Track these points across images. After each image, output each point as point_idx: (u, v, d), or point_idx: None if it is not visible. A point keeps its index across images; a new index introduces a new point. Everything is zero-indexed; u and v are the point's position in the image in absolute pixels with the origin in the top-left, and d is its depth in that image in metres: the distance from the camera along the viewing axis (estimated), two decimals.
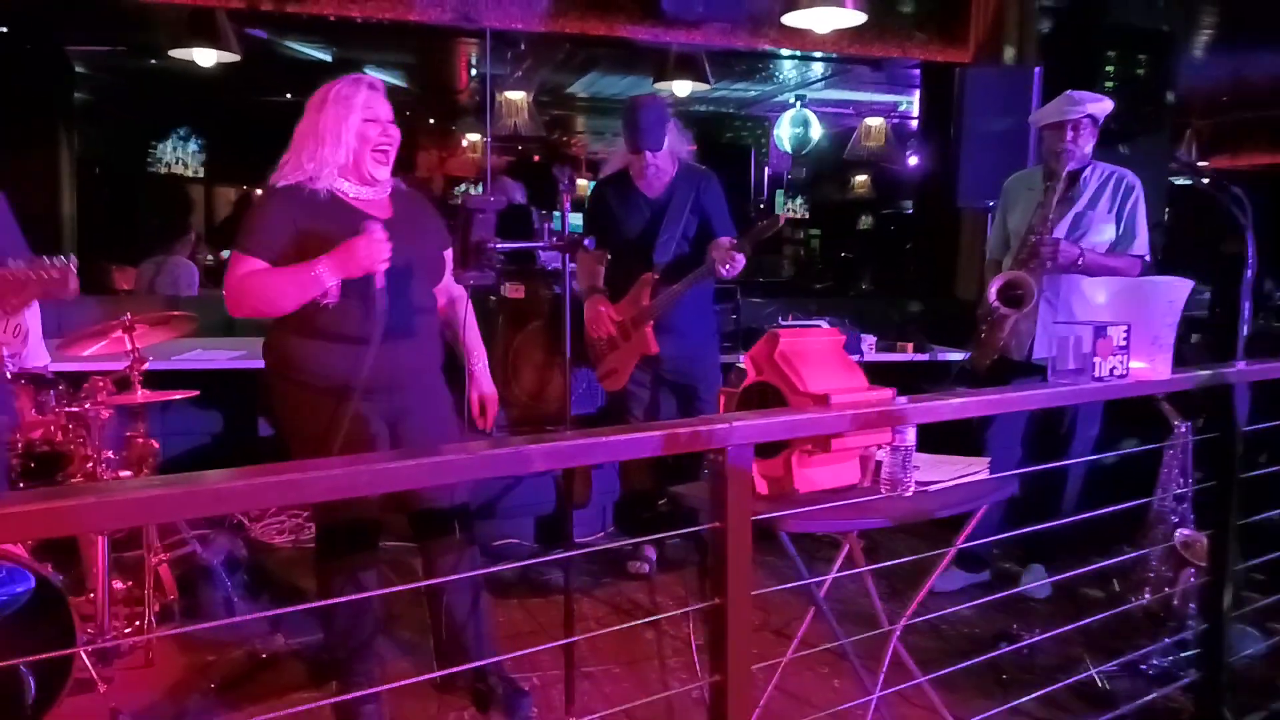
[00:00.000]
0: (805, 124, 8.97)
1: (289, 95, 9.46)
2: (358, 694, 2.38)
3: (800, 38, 5.40)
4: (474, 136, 9.21)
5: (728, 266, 3.24)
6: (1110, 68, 4.99)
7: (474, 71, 7.95)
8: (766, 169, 10.46)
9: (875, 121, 9.11)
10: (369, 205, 2.41)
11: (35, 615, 2.31)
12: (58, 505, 0.95)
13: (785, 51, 5.97)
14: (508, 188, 7.89)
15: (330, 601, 2.43)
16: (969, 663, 2.16)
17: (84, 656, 2.44)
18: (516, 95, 8.01)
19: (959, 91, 4.56)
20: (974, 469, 2.14)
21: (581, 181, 10.42)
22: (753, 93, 9.30)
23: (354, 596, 2.36)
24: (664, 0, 5.00)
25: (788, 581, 2.04)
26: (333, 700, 2.43)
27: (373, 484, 1.17)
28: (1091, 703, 2.62)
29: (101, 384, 2.70)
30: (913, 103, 8.82)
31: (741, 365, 1.99)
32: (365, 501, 2.40)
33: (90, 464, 2.63)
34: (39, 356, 3.04)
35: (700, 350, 3.64)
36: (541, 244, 2.24)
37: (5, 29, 6.93)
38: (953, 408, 1.78)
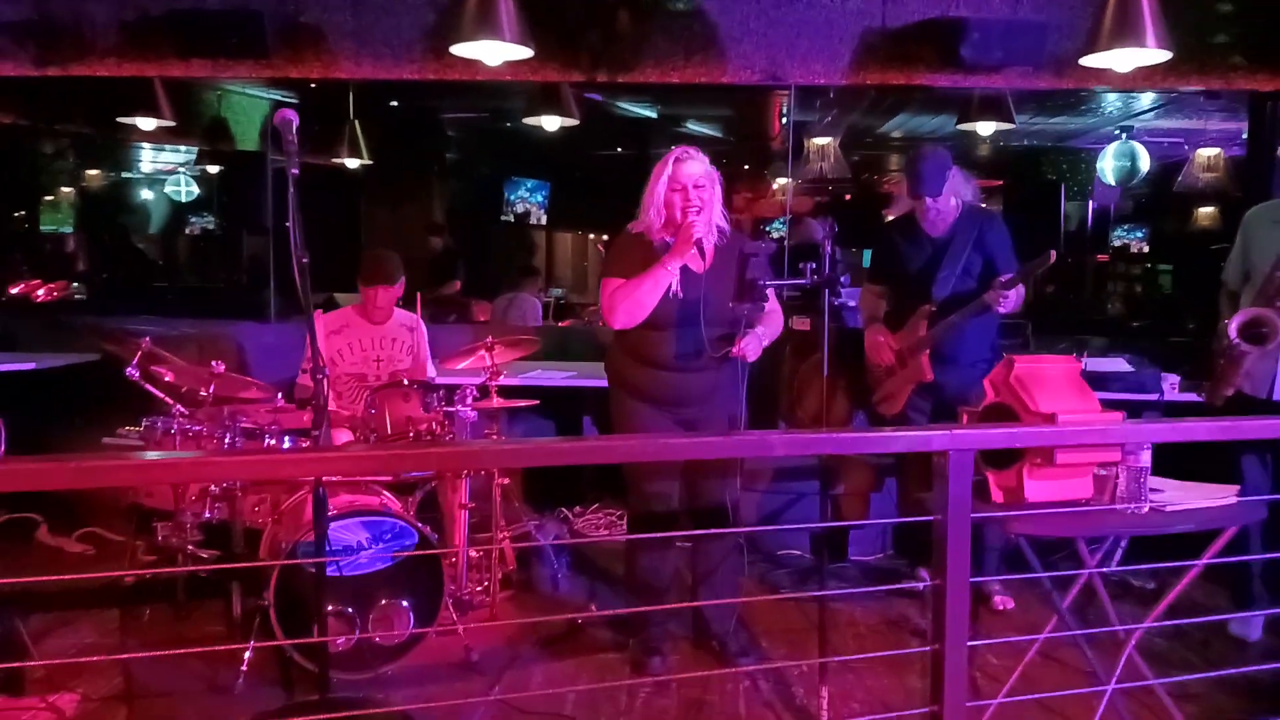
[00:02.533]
0: (1132, 156, 8.58)
1: (619, 149, 10.48)
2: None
3: (1106, 76, 5.33)
4: (783, 180, 9.71)
5: (1000, 303, 3.46)
6: None
7: (784, 120, 8.44)
8: (1091, 203, 10.06)
9: (1210, 151, 8.53)
10: (690, 257, 2.97)
11: (417, 564, 3.02)
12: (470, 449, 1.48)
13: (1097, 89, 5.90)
14: (812, 228, 8.29)
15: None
16: (1213, 674, 2.23)
17: (447, 604, 3.12)
18: (823, 140, 8.41)
19: (1272, 122, 4.37)
20: (1221, 495, 2.24)
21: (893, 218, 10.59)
22: (1072, 125, 9.04)
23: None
24: (963, 49, 5.18)
25: (1034, 603, 2.23)
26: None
27: (659, 452, 1.62)
28: None
29: (470, 391, 3.42)
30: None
31: (983, 389, 2.25)
32: (667, 495, 3.04)
33: None
34: (428, 371, 3.91)
35: (978, 380, 3.81)
36: (804, 281, 2.61)
37: (396, 103, 8.40)
38: (1177, 430, 1.93)
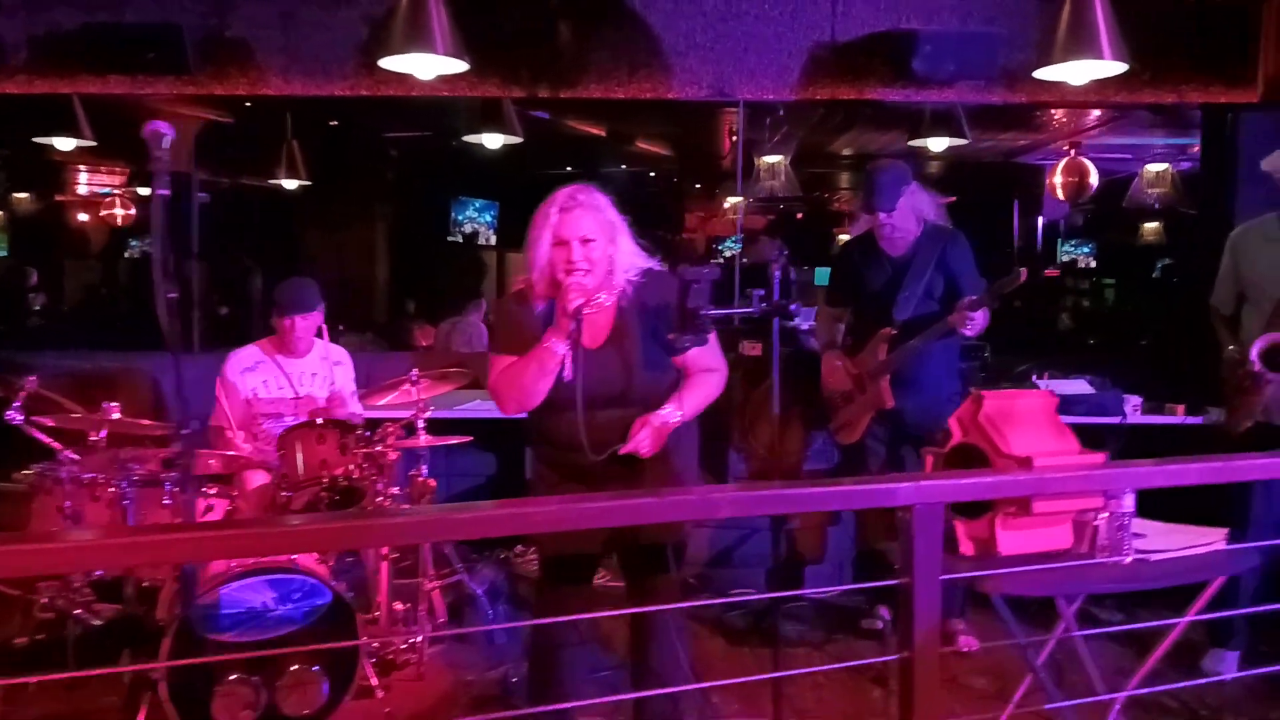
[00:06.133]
0: (1081, 172, 8.55)
1: (569, 168, 10.27)
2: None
3: (1059, 90, 5.23)
4: (735, 200, 9.57)
5: (966, 325, 3.27)
6: None
7: (734, 138, 8.29)
8: (1041, 219, 10.04)
9: (1159, 167, 8.52)
10: (587, 320, 2.40)
11: (329, 626, 2.73)
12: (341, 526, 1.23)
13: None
14: (766, 247, 8.15)
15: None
16: None
17: (366, 666, 2.83)
18: (773, 159, 8.26)
19: (1233, 135, 4.26)
20: (1208, 539, 2.04)
21: (844, 238, 10.49)
22: (1022, 141, 9.01)
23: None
24: (914, 62, 5.05)
25: (1009, 648, 2.03)
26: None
27: (581, 519, 1.38)
28: None
29: (391, 429, 3.14)
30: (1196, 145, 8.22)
31: (948, 428, 2.03)
32: (584, 537, 2.53)
33: (379, 498, 3.07)
34: (349, 408, 3.60)
35: (943, 406, 3.61)
36: (751, 309, 2.37)
37: (336, 122, 8.11)
38: (1165, 474, 1.73)
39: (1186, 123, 7.27)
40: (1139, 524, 2.04)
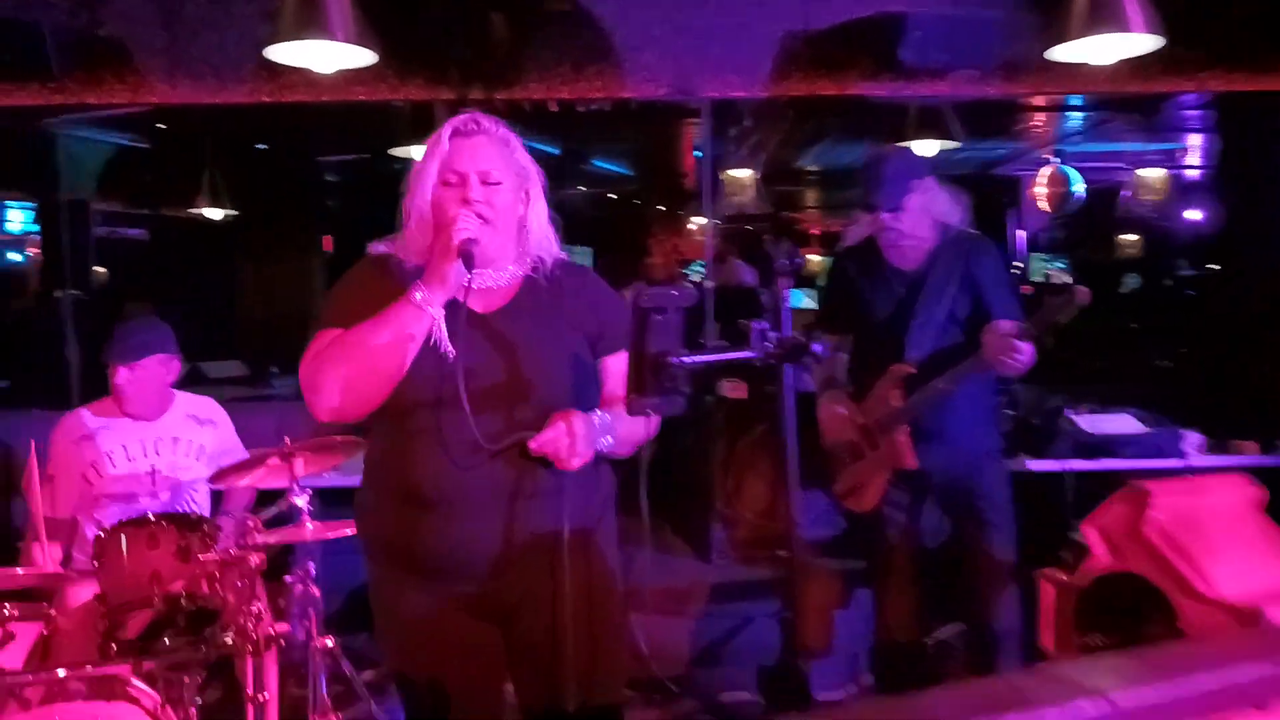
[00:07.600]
0: (1065, 181, 7.99)
1: None
2: None
3: (1068, 78, 4.58)
4: (700, 220, 8.97)
5: (1009, 359, 2.53)
6: None
7: (698, 154, 7.70)
8: (1021, 232, 9.53)
9: (1153, 173, 7.96)
10: (479, 294, 1.72)
11: None
12: None
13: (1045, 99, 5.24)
14: (737, 269, 7.43)
15: None
16: None
17: None
18: (742, 174, 7.64)
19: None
20: None
21: (815, 258, 9.86)
22: (1000, 151, 8.45)
23: None
24: (901, 50, 4.41)
25: None
26: None
27: None
28: None
29: (252, 524, 2.30)
30: (1185, 150, 7.69)
31: (1080, 538, 1.27)
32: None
33: (242, 618, 2.25)
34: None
35: (978, 462, 2.86)
36: (752, 354, 1.62)
37: (265, 145, 7.38)
38: None
39: (1172, 125, 6.74)
40: None
